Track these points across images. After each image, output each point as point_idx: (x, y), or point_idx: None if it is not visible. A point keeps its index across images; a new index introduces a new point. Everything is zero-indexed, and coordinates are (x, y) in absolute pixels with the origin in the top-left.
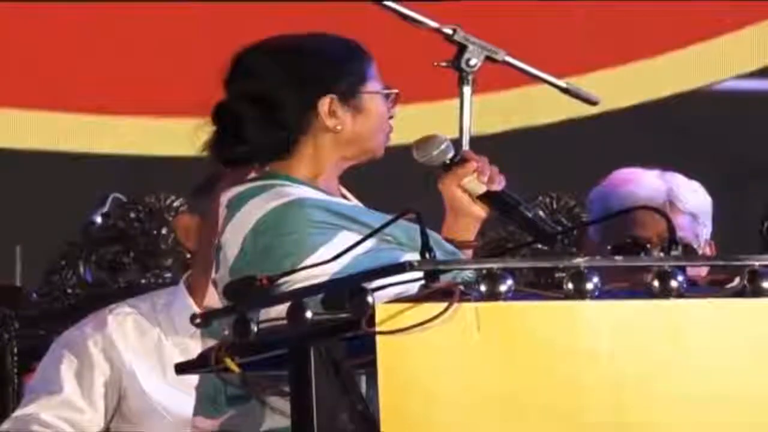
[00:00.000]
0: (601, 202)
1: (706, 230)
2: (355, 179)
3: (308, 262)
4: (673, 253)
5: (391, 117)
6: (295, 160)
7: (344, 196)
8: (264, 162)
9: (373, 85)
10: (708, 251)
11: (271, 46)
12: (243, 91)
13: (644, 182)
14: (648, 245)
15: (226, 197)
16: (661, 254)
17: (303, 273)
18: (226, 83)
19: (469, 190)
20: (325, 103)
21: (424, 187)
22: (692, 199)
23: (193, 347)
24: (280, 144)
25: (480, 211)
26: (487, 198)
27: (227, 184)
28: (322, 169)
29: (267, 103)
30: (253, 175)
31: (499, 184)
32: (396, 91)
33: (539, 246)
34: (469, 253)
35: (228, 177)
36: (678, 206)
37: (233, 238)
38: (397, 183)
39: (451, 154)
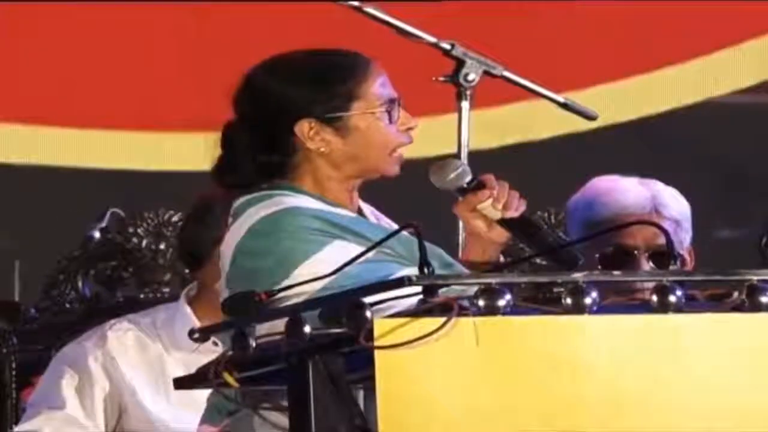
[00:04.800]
0: (584, 211)
1: (688, 236)
2: (361, 194)
3: (300, 269)
4: (672, 267)
5: (410, 128)
6: (299, 176)
7: (360, 211)
8: (260, 183)
9: (361, 105)
10: (687, 257)
11: (267, 66)
12: (239, 113)
13: (628, 190)
14: (635, 252)
15: (232, 207)
16: (651, 263)
17: (293, 282)
18: (233, 103)
19: (485, 215)
20: (302, 126)
21: (426, 202)
22: (675, 205)
23: (196, 362)
24: (270, 167)
25: (498, 235)
26: (505, 223)
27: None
28: (326, 187)
29: (254, 127)
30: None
31: (516, 211)
32: (381, 109)
33: (538, 260)
34: None
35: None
36: (664, 213)
37: (228, 246)
38: (399, 198)
39: (468, 179)
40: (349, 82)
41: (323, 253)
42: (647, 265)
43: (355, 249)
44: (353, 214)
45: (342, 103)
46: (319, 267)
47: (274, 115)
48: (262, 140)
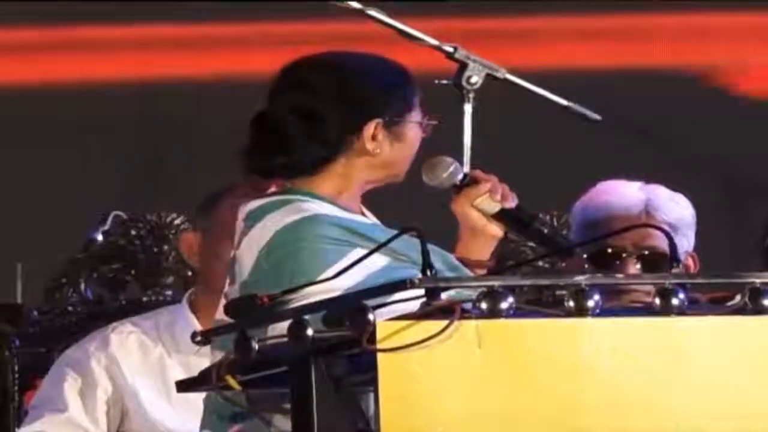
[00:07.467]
0: (580, 214)
1: (686, 241)
2: (365, 198)
3: (322, 278)
4: (674, 270)
5: None
6: (323, 177)
7: (363, 215)
8: (298, 175)
9: (417, 115)
10: (690, 263)
11: (325, 62)
12: (291, 104)
13: (622, 193)
14: (623, 254)
15: (244, 210)
16: (638, 266)
17: (311, 290)
18: (272, 93)
19: (482, 209)
20: (371, 127)
21: (428, 205)
22: (671, 211)
23: (197, 365)
24: (318, 160)
25: (496, 230)
26: (501, 216)
27: (235, 199)
28: (347, 189)
29: (314, 119)
30: (273, 189)
31: (512, 202)
32: (435, 122)
33: (540, 263)
34: (484, 272)
35: (228, 194)
36: (655, 216)
37: (248, 252)
38: (402, 201)
39: (460, 176)
40: (410, 90)
41: (344, 262)
42: (635, 268)
43: (373, 256)
44: (368, 221)
45: (405, 110)
46: (340, 276)
47: (344, 112)
48: (318, 133)
